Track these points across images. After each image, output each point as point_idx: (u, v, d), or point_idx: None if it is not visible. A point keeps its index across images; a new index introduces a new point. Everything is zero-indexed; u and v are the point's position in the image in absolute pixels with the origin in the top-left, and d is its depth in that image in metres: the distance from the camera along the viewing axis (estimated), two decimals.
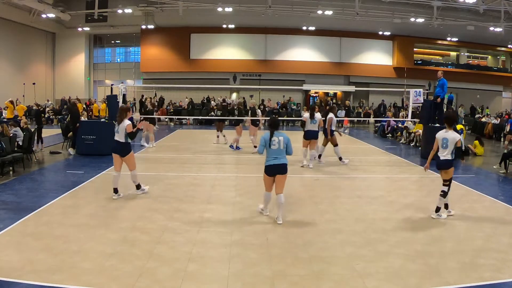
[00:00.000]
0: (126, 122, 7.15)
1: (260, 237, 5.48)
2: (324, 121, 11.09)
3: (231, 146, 13.53)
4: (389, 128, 18.69)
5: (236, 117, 13.62)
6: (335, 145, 11.11)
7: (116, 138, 7.19)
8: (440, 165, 6.34)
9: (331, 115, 11.11)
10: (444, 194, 6.30)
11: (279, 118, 12.40)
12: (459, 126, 13.62)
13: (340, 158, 11.12)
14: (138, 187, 7.45)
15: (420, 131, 14.34)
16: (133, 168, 7.30)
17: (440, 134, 6.42)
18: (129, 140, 7.22)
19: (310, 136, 10.55)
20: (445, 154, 6.29)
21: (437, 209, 6.35)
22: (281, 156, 6.03)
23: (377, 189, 8.55)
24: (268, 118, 13.10)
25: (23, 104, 20.03)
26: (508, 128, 16.69)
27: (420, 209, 6.94)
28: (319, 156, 11.25)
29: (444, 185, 6.31)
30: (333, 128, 11.08)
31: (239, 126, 13.36)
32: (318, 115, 10.73)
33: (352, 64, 29.35)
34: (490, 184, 9.36)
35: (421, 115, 14.00)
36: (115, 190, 7.18)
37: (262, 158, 6.15)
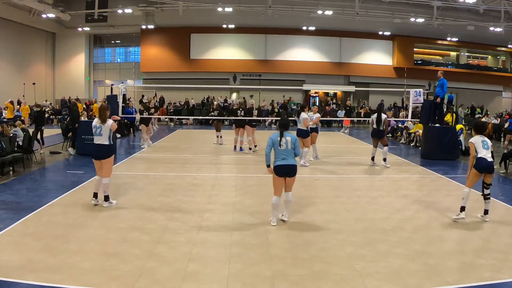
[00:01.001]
0: (110, 121, 6.73)
1: (260, 237, 5.48)
2: (379, 122, 10.86)
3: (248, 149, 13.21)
4: (389, 128, 18.67)
5: (234, 118, 13.50)
6: (386, 145, 10.95)
7: (98, 141, 6.69)
8: (490, 169, 6.16)
9: (384, 116, 11.04)
10: (489, 197, 6.30)
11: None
12: (458, 126, 13.63)
13: (385, 159, 10.91)
14: (106, 198, 6.75)
15: (420, 131, 14.34)
16: (107, 175, 6.69)
17: (477, 138, 6.29)
18: (112, 142, 6.81)
19: (297, 134, 10.45)
20: (489, 156, 6.18)
21: (486, 212, 6.32)
22: (290, 156, 5.92)
23: (377, 189, 8.55)
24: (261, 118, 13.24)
25: (22, 105, 20.03)
26: (507, 125, 16.63)
27: (420, 209, 6.94)
28: (372, 158, 11.13)
29: (487, 188, 6.25)
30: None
31: (243, 128, 13.05)
32: (303, 115, 10.70)
33: (352, 64, 29.35)
34: None
35: (421, 115, 14.01)
36: (95, 195, 6.79)
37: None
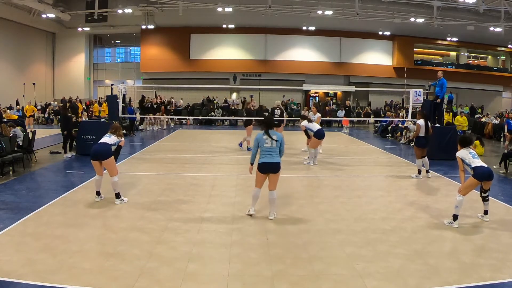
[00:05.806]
0: (122, 139, 7.22)
1: (260, 237, 5.48)
2: (427, 129, 9.36)
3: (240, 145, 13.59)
4: (390, 127, 18.66)
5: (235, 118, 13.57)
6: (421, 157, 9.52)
7: (105, 140, 6.96)
8: (491, 176, 6.03)
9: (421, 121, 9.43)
10: (488, 198, 6.27)
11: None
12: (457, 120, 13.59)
13: (428, 171, 9.62)
14: (117, 196, 6.93)
15: None
16: (113, 174, 6.87)
17: (464, 152, 6.18)
18: (114, 145, 7.05)
19: (323, 134, 10.79)
20: (484, 164, 6.08)
21: (486, 212, 6.30)
22: (274, 154, 6.12)
23: (377, 189, 8.55)
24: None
25: (27, 105, 20.04)
26: (506, 128, 16.62)
27: (420, 209, 6.94)
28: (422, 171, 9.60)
29: (485, 192, 6.19)
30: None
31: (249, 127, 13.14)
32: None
33: (352, 64, 29.38)
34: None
35: None
36: (97, 193, 7.04)
37: None
